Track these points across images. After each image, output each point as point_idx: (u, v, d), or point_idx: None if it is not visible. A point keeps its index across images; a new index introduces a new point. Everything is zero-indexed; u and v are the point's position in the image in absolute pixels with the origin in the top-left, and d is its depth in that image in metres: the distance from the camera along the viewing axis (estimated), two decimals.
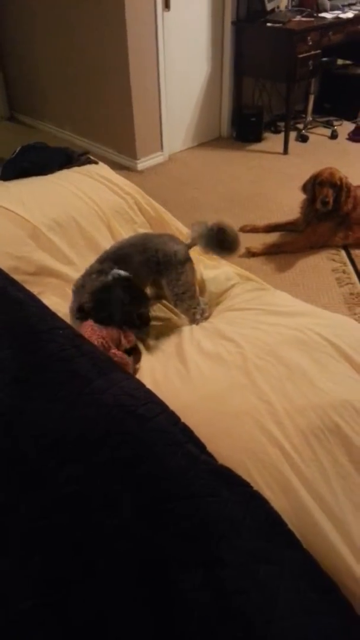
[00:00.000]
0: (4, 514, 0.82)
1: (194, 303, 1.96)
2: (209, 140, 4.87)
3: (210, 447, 1.19)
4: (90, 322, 1.69)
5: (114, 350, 1.63)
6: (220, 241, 1.94)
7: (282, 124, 4.77)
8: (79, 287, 1.85)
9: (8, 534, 0.80)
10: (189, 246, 2.00)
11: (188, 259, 1.98)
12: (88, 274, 1.87)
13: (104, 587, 0.76)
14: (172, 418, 1.03)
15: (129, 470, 0.89)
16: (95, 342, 1.54)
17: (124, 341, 1.71)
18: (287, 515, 1.14)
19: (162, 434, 0.96)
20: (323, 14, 4.39)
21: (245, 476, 1.15)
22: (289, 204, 3.58)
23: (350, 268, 3.05)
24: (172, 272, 1.93)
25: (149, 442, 0.94)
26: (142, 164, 4.30)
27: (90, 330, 1.64)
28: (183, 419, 1.19)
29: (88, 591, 0.75)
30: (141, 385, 1.12)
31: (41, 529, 0.81)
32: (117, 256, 1.91)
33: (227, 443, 1.29)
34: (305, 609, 0.75)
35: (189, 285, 1.97)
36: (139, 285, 1.85)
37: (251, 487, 0.99)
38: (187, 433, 1.02)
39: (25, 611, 0.72)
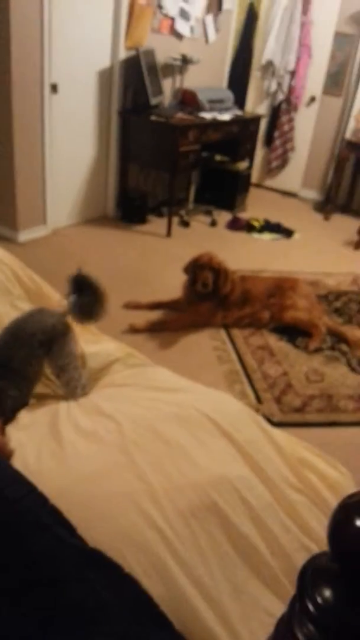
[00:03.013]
0: None
1: (77, 374, 1.89)
2: (95, 218, 4.97)
3: (85, 532, 1.12)
4: None
5: None
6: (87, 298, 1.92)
7: (165, 208, 5.01)
8: None
9: None
10: (63, 314, 1.93)
11: (69, 329, 1.93)
12: None
13: None
14: (40, 499, 0.96)
15: None
16: None
17: None
18: (165, 603, 1.08)
19: (28, 517, 0.88)
20: (203, 114, 4.79)
21: (120, 562, 1.08)
22: (172, 283, 3.69)
23: (229, 347, 3.17)
24: (55, 346, 1.86)
25: (14, 525, 0.85)
26: (24, 236, 4.26)
27: None
28: (57, 503, 1.11)
29: None
30: (7, 465, 1.04)
31: None
32: None
33: (101, 527, 1.22)
34: None
35: (72, 357, 1.90)
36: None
37: (122, 569, 0.93)
38: (55, 515, 0.95)
39: None
